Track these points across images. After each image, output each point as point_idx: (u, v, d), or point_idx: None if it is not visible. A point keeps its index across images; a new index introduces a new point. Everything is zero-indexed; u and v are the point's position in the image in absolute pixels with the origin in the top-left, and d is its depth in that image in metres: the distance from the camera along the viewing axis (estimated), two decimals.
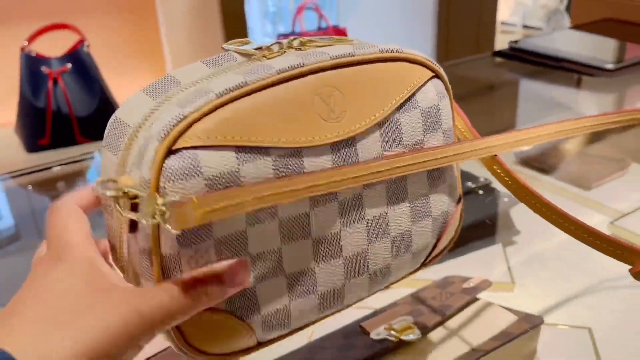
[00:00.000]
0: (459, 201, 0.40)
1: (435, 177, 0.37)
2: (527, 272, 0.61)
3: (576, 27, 1.01)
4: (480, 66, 1.08)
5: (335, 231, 0.33)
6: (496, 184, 0.77)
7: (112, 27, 1.69)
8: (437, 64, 0.37)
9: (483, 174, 0.81)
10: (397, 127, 0.34)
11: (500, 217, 0.66)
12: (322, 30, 1.77)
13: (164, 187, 0.27)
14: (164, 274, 0.28)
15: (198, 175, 0.28)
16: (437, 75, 0.36)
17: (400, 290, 0.56)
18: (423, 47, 1.80)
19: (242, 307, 0.31)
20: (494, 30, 1.75)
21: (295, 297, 0.32)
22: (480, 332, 0.44)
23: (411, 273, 0.38)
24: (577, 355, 0.49)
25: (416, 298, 0.49)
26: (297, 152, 0.30)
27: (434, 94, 0.36)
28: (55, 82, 1.37)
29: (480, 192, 0.68)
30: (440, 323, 0.45)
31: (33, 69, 1.37)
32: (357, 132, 0.32)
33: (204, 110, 0.28)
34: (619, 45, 0.91)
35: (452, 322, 0.45)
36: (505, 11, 2.01)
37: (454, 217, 0.39)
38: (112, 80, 1.53)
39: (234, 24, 1.56)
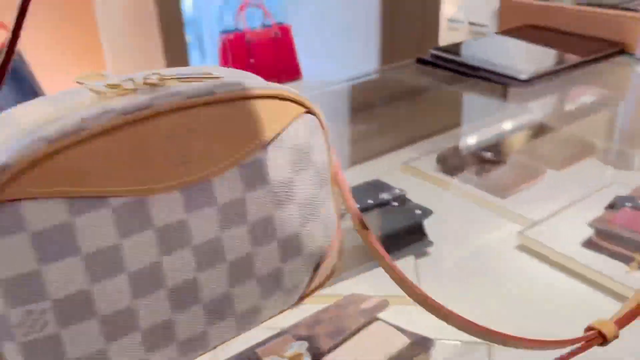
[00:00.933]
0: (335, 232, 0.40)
1: (307, 214, 0.37)
2: (437, 285, 0.62)
3: (504, 32, 1.03)
4: (408, 72, 1.09)
5: (190, 277, 0.32)
6: (410, 195, 0.78)
7: (48, 26, 1.64)
8: (309, 101, 0.36)
9: (400, 184, 0.82)
10: (260, 168, 0.33)
11: (413, 229, 0.67)
12: (266, 27, 1.76)
13: None
14: None
15: (23, 230, 0.26)
16: (309, 111, 0.36)
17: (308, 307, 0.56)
18: (369, 46, 1.81)
19: None
20: (437, 29, 1.77)
21: (155, 350, 0.31)
22: (372, 356, 0.45)
23: (288, 308, 0.38)
24: None
25: (315, 320, 0.50)
26: (141, 201, 0.29)
27: (305, 132, 0.35)
28: None
29: (395, 203, 0.68)
30: (334, 347, 0.46)
31: None
32: (213, 174, 0.31)
33: (31, 158, 0.26)
34: (542, 53, 0.93)
35: (346, 346, 0.46)
36: (451, 7, 2.04)
37: (331, 252, 0.39)
38: (49, 81, 1.49)
39: (172, 22, 1.54)
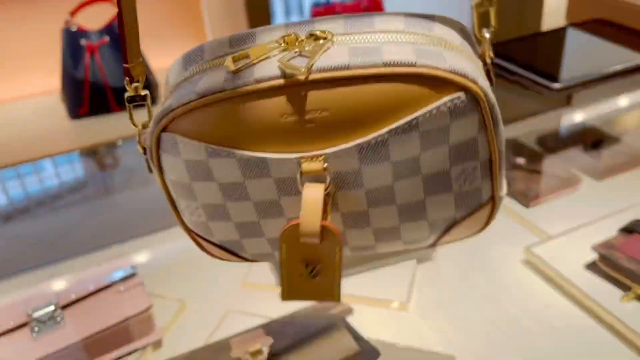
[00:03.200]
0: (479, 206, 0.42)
1: (434, 187, 0.40)
2: (432, 290, 0.65)
3: (572, 24, 0.98)
4: None
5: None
6: None
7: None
8: (473, 78, 0.35)
9: None
10: (383, 148, 0.36)
11: None
12: (356, 0, 1.77)
13: (161, 156, 0.39)
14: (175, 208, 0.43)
15: (179, 155, 0.38)
16: (464, 90, 0.35)
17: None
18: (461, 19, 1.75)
19: (234, 248, 0.44)
20: (542, 7, 1.66)
21: (274, 248, 0.44)
22: (319, 358, 0.50)
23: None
24: None
25: (290, 318, 0.56)
26: (262, 160, 0.37)
27: (446, 114, 0.35)
28: (92, 54, 1.49)
29: None
30: (292, 347, 0.52)
31: (73, 42, 1.49)
32: (330, 149, 0.36)
33: (183, 109, 0.36)
34: (601, 53, 0.88)
35: (301, 347, 0.52)
36: None
37: (466, 223, 0.43)
38: (152, 50, 1.63)
39: None
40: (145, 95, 0.40)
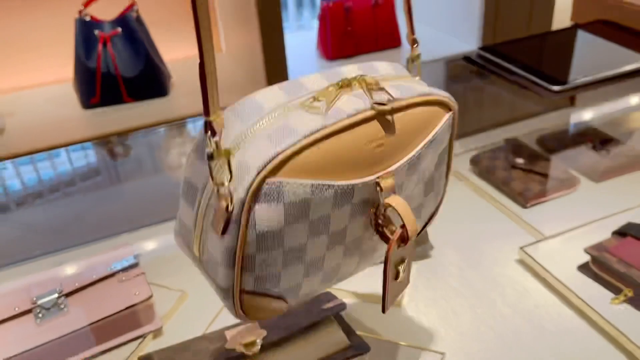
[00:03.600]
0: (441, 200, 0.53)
1: (428, 189, 0.49)
2: (427, 287, 0.67)
3: (576, 25, 0.98)
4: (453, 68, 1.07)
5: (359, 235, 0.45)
6: None
7: None
8: (454, 101, 0.47)
9: None
10: (418, 160, 0.45)
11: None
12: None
13: (254, 208, 0.37)
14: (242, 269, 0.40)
15: (280, 201, 0.38)
16: (452, 110, 0.47)
17: None
18: (469, 21, 1.75)
19: (289, 294, 0.44)
20: (552, 6, 1.65)
21: (323, 282, 0.46)
22: (313, 352, 0.52)
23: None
24: None
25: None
26: (351, 187, 0.41)
27: (446, 128, 0.47)
28: (104, 45, 1.51)
29: None
30: (284, 339, 0.54)
31: (86, 32, 1.51)
32: (394, 166, 0.43)
33: (292, 150, 0.37)
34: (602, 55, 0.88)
35: (293, 340, 0.53)
36: None
37: (435, 216, 0.54)
38: (164, 43, 1.65)
39: None
40: (227, 150, 0.38)
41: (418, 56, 0.50)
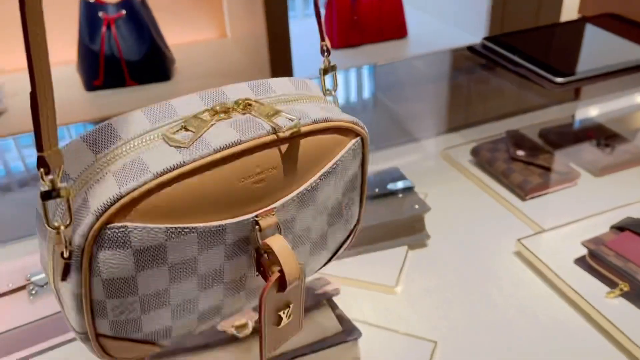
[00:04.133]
0: (354, 228, 0.48)
1: (333, 219, 0.45)
2: (421, 276, 0.67)
3: (583, 18, 0.97)
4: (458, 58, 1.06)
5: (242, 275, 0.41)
6: (437, 184, 0.81)
7: None
8: (362, 125, 0.42)
9: (434, 170, 0.85)
10: (314, 193, 0.40)
11: (414, 221, 0.71)
12: None
13: (97, 254, 0.32)
14: (93, 315, 0.35)
15: (127, 247, 0.33)
16: (359, 135, 0.42)
17: None
18: (477, 13, 1.73)
19: (158, 337, 0.39)
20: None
21: (201, 321, 0.41)
22: (304, 336, 0.52)
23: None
24: None
25: None
26: (221, 228, 0.36)
27: (351, 156, 0.42)
28: (108, 27, 1.50)
29: (400, 195, 0.72)
30: None
31: (91, 14, 1.50)
32: (278, 202, 0.38)
33: (139, 192, 0.32)
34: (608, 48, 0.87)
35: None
36: None
37: (347, 244, 0.49)
38: (168, 27, 1.64)
39: None
40: (65, 189, 0.31)
41: (333, 67, 0.45)
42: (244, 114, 0.37)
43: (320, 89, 0.45)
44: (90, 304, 0.35)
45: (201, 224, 0.35)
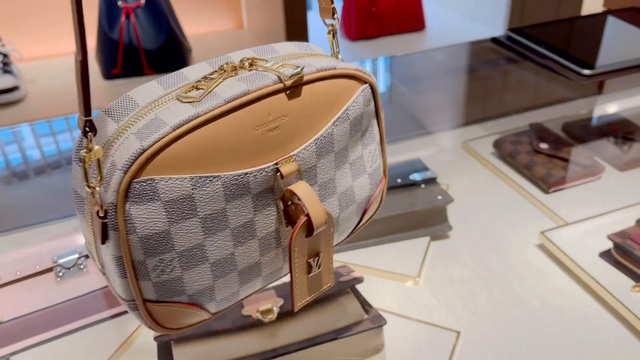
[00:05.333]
0: (380, 182, 0.48)
1: (357, 171, 0.45)
2: (441, 268, 0.66)
3: (608, 11, 0.96)
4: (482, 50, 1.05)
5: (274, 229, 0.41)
6: (459, 176, 0.81)
7: None
8: (369, 73, 0.43)
9: (455, 162, 0.85)
10: (330, 140, 0.41)
11: (436, 212, 0.71)
12: None
13: (130, 211, 0.34)
14: (137, 278, 0.36)
15: (157, 200, 0.34)
16: (367, 82, 0.43)
17: None
18: (496, 7, 1.72)
19: (203, 299, 0.40)
20: None
21: (242, 282, 0.42)
22: (329, 322, 0.52)
23: (341, 242, 0.49)
24: (429, 354, 0.55)
25: None
26: (244, 176, 0.37)
27: (362, 103, 0.43)
28: (127, 16, 1.51)
29: (423, 185, 0.72)
30: (303, 309, 0.53)
31: (110, 3, 1.51)
32: (297, 150, 0.40)
33: (160, 144, 0.34)
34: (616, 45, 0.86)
35: (313, 310, 0.53)
36: None
37: (376, 199, 0.48)
38: (186, 17, 1.64)
39: None
40: (98, 149, 0.34)
41: (334, 27, 0.45)
42: (250, 70, 0.39)
43: (328, 52, 0.46)
44: (132, 265, 0.36)
45: (224, 173, 0.36)
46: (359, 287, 0.57)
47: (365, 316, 0.53)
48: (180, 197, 0.35)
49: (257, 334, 0.52)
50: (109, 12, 1.51)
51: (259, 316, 0.53)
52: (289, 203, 0.40)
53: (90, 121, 0.33)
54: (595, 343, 0.56)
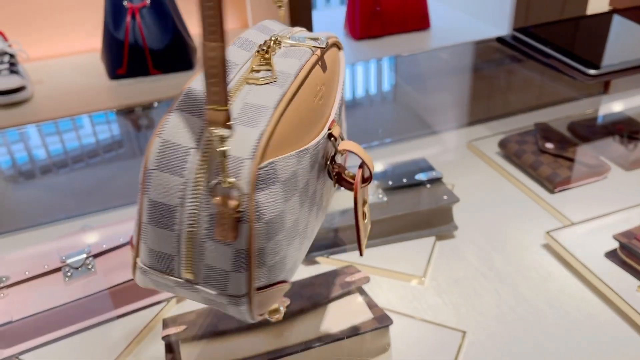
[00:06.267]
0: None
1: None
2: (447, 268, 0.67)
3: (614, 11, 0.96)
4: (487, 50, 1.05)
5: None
6: (465, 175, 0.81)
7: None
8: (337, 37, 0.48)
9: (461, 162, 0.85)
10: (341, 101, 0.47)
11: (442, 212, 0.71)
12: None
13: (257, 199, 0.34)
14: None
15: (277, 181, 0.36)
16: (341, 48, 0.49)
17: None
18: (501, 6, 1.72)
19: (289, 273, 0.41)
20: None
21: (301, 248, 0.43)
22: (336, 322, 0.52)
23: None
24: (435, 354, 0.56)
25: (308, 282, 0.58)
26: (319, 144, 0.41)
27: (344, 67, 0.49)
28: (133, 16, 1.51)
29: (428, 185, 0.72)
30: (307, 309, 0.54)
31: (116, 3, 1.51)
32: (333, 116, 0.45)
33: (271, 126, 0.35)
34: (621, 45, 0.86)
35: (316, 310, 0.54)
36: None
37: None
38: (192, 17, 1.65)
39: None
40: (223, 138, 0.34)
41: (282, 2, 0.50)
42: (281, 47, 0.42)
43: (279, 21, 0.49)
44: (255, 254, 0.36)
45: (309, 144, 0.39)
46: (364, 286, 0.58)
47: (372, 316, 0.53)
48: (290, 175, 0.37)
49: (264, 333, 0.52)
50: (115, 12, 1.51)
51: (267, 316, 0.53)
52: (334, 163, 0.44)
53: (228, 112, 0.33)
54: (600, 343, 0.56)
